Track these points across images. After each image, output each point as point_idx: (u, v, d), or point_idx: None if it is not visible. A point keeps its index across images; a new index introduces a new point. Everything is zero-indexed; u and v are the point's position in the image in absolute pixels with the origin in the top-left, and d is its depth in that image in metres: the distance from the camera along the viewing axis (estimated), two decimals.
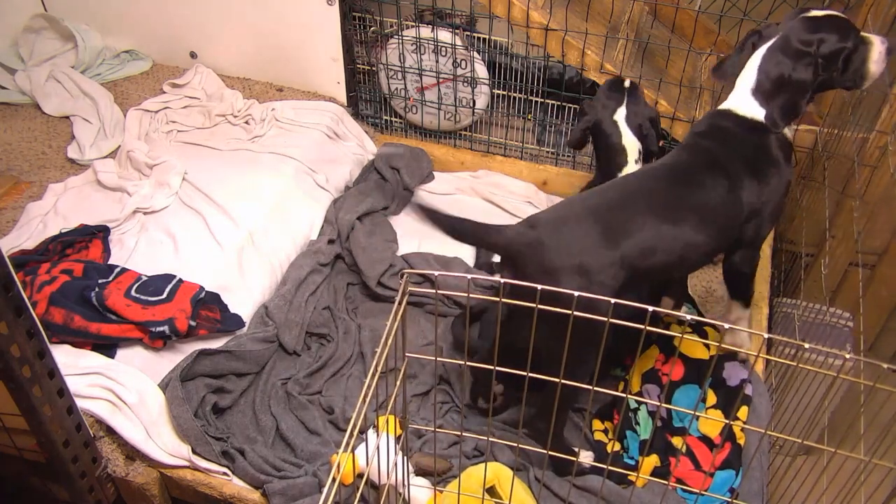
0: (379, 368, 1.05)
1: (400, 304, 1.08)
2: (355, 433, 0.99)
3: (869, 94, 1.99)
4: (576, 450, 1.57)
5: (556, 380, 1.13)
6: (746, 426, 1.42)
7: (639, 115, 1.89)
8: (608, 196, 1.47)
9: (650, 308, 0.98)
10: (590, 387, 1.10)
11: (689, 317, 1.02)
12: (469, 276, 1.04)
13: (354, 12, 2.56)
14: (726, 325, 0.99)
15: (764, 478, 1.59)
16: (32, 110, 2.61)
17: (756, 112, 1.53)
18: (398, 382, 1.17)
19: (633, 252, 1.40)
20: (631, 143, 1.87)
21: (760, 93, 1.52)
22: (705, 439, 1.65)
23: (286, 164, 2.37)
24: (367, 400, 1.01)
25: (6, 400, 1.36)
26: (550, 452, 1.25)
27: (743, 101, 1.54)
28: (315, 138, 2.51)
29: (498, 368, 1.16)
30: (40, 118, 2.57)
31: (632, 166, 1.87)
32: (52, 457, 1.47)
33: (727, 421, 1.65)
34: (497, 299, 1.04)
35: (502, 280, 1.03)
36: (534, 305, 1.02)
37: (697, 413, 1.66)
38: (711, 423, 1.65)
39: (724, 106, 1.58)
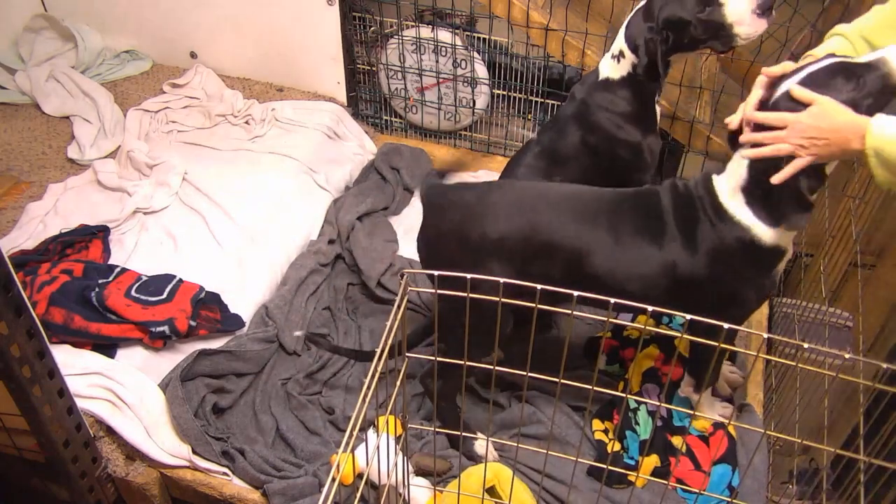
0: (379, 368, 1.05)
1: (400, 303, 1.08)
2: (355, 433, 0.99)
3: None
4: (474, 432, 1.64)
5: (556, 380, 1.13)
6: (746, 426, 1.42)
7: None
8: None
9: (649, 308, 0.98)
10: (589, 386, 1.10)
11: (689, 316, 1.02)
12: (469, 276, 1.04)
13: (354, 12, 2.56)
14: (725, 326, 0.99)
15: (764, 477, 1.59)
16: (32, 110, 2.61)
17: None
18: (398, 383, 1.17)
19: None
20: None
21: None
22: (705, 438, 1.65)
23: (286, 164, 2.37)
24: (367, 400, 1.01)
25: (6, 400, 1.36)
26: (550, 453, 1.25)
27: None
28: (315, 138, 2.51)
29: (498, 369, 1.16)
30: (40, 118, 2.57)
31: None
32: (52, 457, 1.47)
33: (718, 418, 1.66)
34: (497, 299, 1.04)
35: (502, 280, 1.03)
36: (534, 305, 1.02)
37: (697, 413, 1.67)
38: (703, 418, 1.67)
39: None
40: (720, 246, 1.38)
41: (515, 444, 1.39)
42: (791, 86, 1.26)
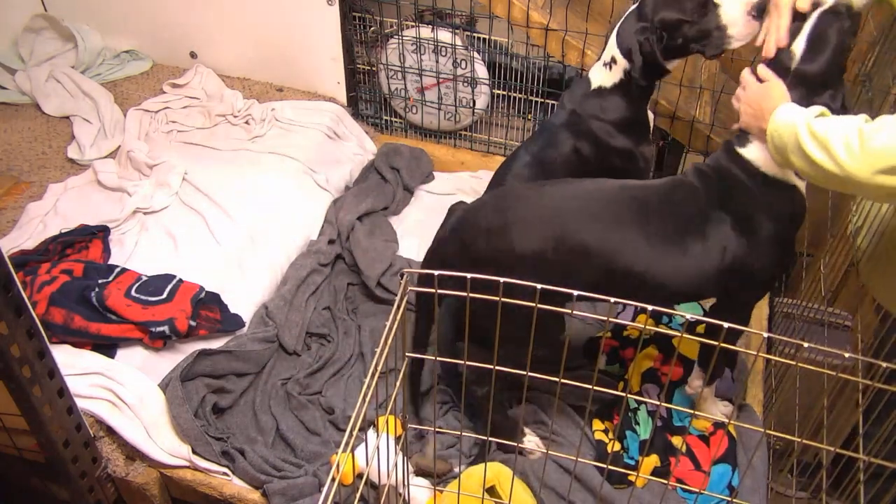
0: (379, 368, 1.05)
1: (400, 303, 1.08)
2: (354, 433, 0.99)
3: (872, 95, 2.00)
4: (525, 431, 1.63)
5: (556, 379, 1.13)
6: (746, 426, 1.42)
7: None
8: None
9: (649, 307, 0.98)
10: (589, 386, 1.10)
11: (688, 315, 1.02)
12: (469, 276, 1.03)
13: (354, 12, 2.56)
14: (725, 325, 0.98)
15: (764, 477, 1.59)
16: (32, 110, 2.61)
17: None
18: (398, 383, 1.17)
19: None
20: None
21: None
22: (705, 438, 1.65)
23: (286, 164, 2.37)
24: (367, 400, 1.01)
25: (6, 400, 1.36)
26: (550, 453, 1.25)
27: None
28: (315, 138, 2.51)
29: (498, 368, 1.16)
30: (40, 118, 2.57)
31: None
32: (52, 457, 1.47)
33: (720, 416, 1.66)
34: (497, 298, 1.04)
35: (502, 280, 1.03)
36: (532, 304, 1.02)
37: (697, 413, 1.67)
38: (703, 417, 1.66)
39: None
40: (774, 212, 1.40)
41: (515, 445, 1.39)
42: (760, 66, 1.39)
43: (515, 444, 1.58)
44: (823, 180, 1.23)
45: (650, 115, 1.84)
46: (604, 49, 1.77)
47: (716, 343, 0.96)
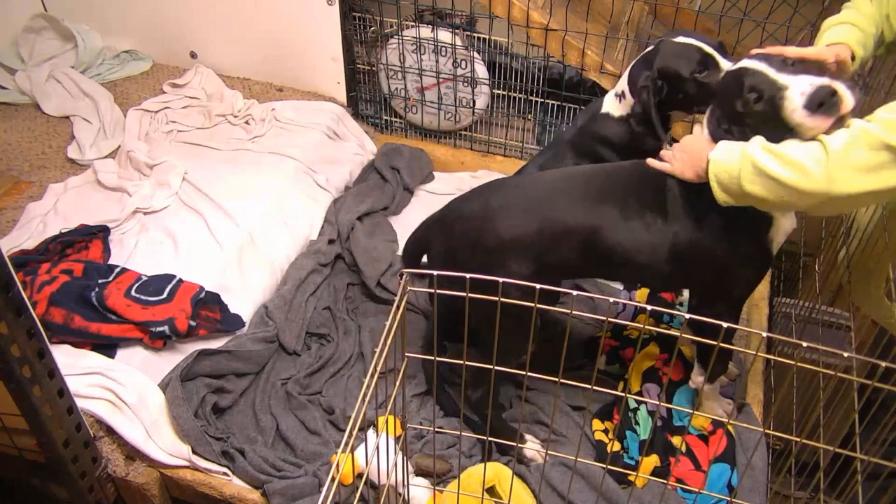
0: (378, 368, 1.05)
1: (399, 303, 1.08)
2: (354, 433, 0.99)
3: (871, 95, 2.00)
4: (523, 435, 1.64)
5: (556, 379, 1.13)
6: (746, 425, 1.43)
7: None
8: None
9: (649, 307, 0.98)
10: (589, 386, 1.10)
11: (688, 315, 1.02)
12: (468, 276, 1.04)
13: (354, 12, 2.56)
14: (724, 325, 0.99)
15: (763, 476, 1.59)
16: (32, 110, 2.61)
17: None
18: (397, 383, 1.17)
19: None
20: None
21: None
22: (704, 437, 1.65)
23: (286, 164, 2.37)
24: (367, 400, 1.01)
25: (6, 400, 1.36)
26: (550, 453, 1.25)
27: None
28: (315, 138, 2.51)
29: (497, 368, 1.16)
30: (40, 118, 2.57)
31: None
32: (52, 457, 1.47)
33: (721, 415, 1.66)
34: (497, 299, 1.04)
35: (501, 280, 1.03)
36: (531, 305, 1.03)
37: (697, 413, 1.67)
38: (703, 416, 1.66)
39: None
40: (712, 212, 1.39)
41: (515, 445, 1.39)
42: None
43: (516, 444, 1.58)
44: (789, 200, 1.21)
45: (665, 147, 1.83)
46: (618, 79, 1.77)
47: (714, 343, 0.97)
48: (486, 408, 1.60)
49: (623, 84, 1.74)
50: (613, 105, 1.77)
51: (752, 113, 1.27)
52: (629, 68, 1.74)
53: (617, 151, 1.77)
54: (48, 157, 2.41)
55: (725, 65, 1.58)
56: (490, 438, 1.32)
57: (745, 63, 1.30)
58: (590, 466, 1.55)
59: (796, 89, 1.20)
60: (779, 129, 1.23)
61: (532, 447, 1.65)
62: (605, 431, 1.73)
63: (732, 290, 1.49)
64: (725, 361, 1.73)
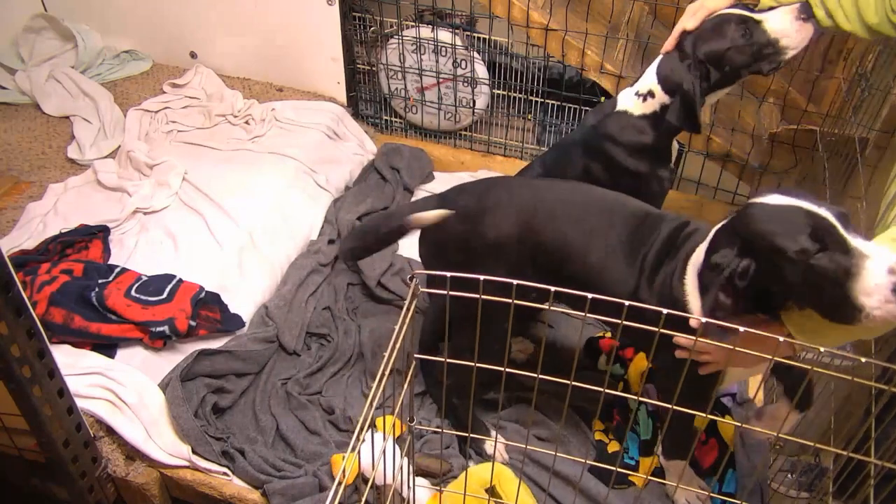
0: (388, 371, 1.05)
1: (409, 306, 1.07)
2: (363, 436, 0.98)
3: (870, 94, 2.00)
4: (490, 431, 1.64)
5: (559, 381, 1.13)
6: (748, 426, 1.42)
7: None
8: None
9: (664, 311, 0.98)
10: (599, 388, 1.10)
11: (702, 319, 1.02)
12: (482, 278, 1.03)
13: (354, 12, 2.56)
14: (705, 415, 0.96)
15: (763, 475, 1.59)
16: (32, 110, 2.61)
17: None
18: (405, 385, 1.16)
19: None
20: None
21: None
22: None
23: (286, 164, 2.37)
24: (374, 404, 1.01)
25: (6, 400, 1.36)
26: (558, 455, 1.25)
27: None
28: (315, 138, 2.51)
29: (509, 371, 1.15)
30: (40, 118, 2.57)
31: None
32: (52, 457, 1.47)
33: (708, 415, 1.65)
34: (509, 300, 1.03)
35: (515, 282, 1.02)
36: (535, 305, 1.02)
37: (697, 413, 1.67)
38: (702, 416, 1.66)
39: None
40: (665, 301, 1.30)
41: (523, 446, 1.38)
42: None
43: (468, 434, 1.57)
44: None
45: (675, 145, 1.79)
46: (637, 79, 1.71)
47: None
48: (457, 397, 1.61)
49: (650, 83, 1.66)
50: (634, 104, 1.70)
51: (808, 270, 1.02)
52: (656, 66, 1.66)
53: (628, 151, 1.72)
54: (48, 157, 2.41)
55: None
56: (471, 435, 1.30)
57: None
58: (589, 467, 1.55)
59: (882, 264, 0.92)
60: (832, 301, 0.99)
61: (491, 441, 1.64)
62: (605, 431, 1.73)
63: (675, 376, 1.20)
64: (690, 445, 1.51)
